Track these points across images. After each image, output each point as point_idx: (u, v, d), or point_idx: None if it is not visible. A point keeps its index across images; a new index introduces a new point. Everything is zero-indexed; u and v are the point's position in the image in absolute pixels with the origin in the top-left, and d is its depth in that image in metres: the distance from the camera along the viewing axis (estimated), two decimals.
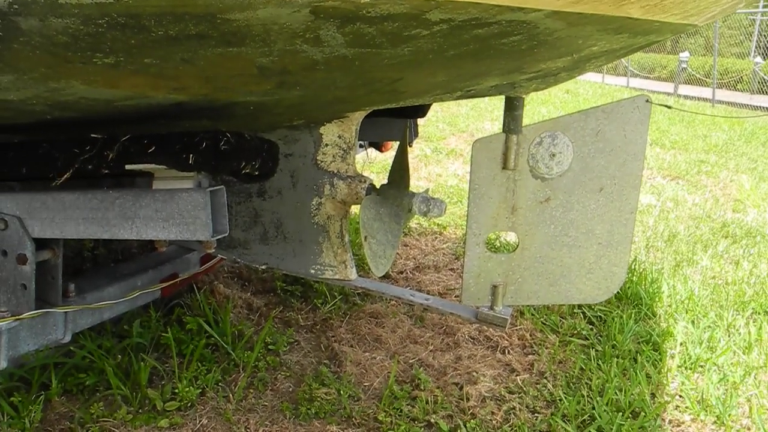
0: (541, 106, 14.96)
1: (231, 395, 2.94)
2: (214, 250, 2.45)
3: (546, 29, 1.44)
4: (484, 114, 12.79)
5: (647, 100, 2.17)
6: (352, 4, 1.12)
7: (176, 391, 2.88)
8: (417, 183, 6.98)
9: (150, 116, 1.98)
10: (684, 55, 23.17)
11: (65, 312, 2.42)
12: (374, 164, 6.46)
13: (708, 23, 2.20)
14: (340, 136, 2.28)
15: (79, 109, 1.80)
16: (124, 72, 1.44)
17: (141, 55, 1.33)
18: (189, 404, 2.85)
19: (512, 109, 2.19)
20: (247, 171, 2.26)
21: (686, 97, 21.36)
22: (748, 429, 2.94)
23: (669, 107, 2.72)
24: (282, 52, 1.35)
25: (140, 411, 2.79)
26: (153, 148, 2.16)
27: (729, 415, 2.98)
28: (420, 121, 4.71)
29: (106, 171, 2.17)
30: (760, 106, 18.33)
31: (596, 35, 1.65)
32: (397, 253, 4.69)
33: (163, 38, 1.22)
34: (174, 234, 2.07)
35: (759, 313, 4.08)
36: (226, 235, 2.14)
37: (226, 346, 3.23)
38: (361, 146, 4.06)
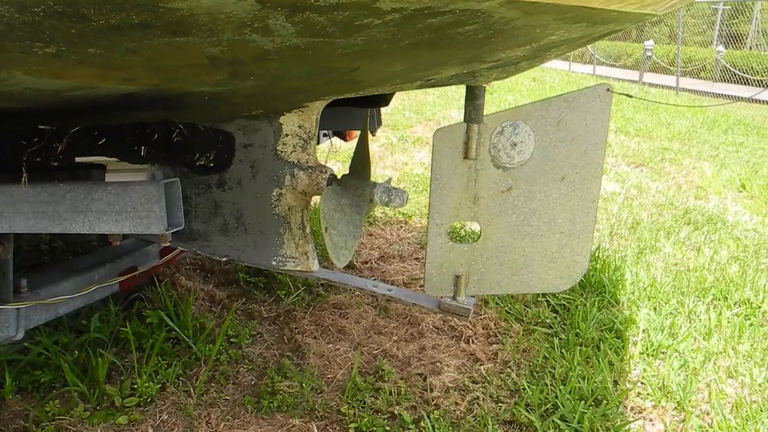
0: (507, 93, 15.00)
1: (192, 390, 2.90)
2: (170, 243, 2.41)
3: (502, 18, 1.41)
4: (452, 102, 12.80)
5: (608, 89, 2.16)
6: None
7: (135, 386, 2.84)
8: (383, 172, 6.95)
9: (103, 107, 1.93)
10: (649, 43, 23.35)
11: (17, 308, 2.36)
12: (339, 153, 6.42)
13: (671, 12, 2.20)
14: (300, 126, 2.25)
15: (25, 99, 1.74)
16: (68, 62, 1.39)
17: (84, 45, 1.28)
18: (149, 400, 2.80)
19: (473, 98, 2.17)
20: (202, 163, 2.21)
21: (651, 84, 21.57)
22: (708, 414, 2.98)
23: (630, 96, 2.73)
24: (232, 42, 1.31)
25: (98, 408, 2.74)
26: (103, 139, 2.11)
27: (689, 401, 3.01)
28: (386, 109, 4.68)
29: (56, 164, 2.11)
30: (722, 94, 18.59)
31: (554, 24, 1.63)
32: (362, 243, 4.67)
33: (105, 27, 1.17)
34: (128, 227, 2.03)
35: (719, 299, 4.14)
36: (182, 228, 2.10)
37: (187, 339, 3.19)
38: (325, 135, 4.03)
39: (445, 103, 12.62)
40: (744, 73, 20.05)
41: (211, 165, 2.23)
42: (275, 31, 1.26)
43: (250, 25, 1.21)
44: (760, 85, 17.63)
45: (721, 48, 23.10)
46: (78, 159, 2.14)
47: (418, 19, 1.29)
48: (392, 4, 1.18)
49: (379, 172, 6.89)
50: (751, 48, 25.85)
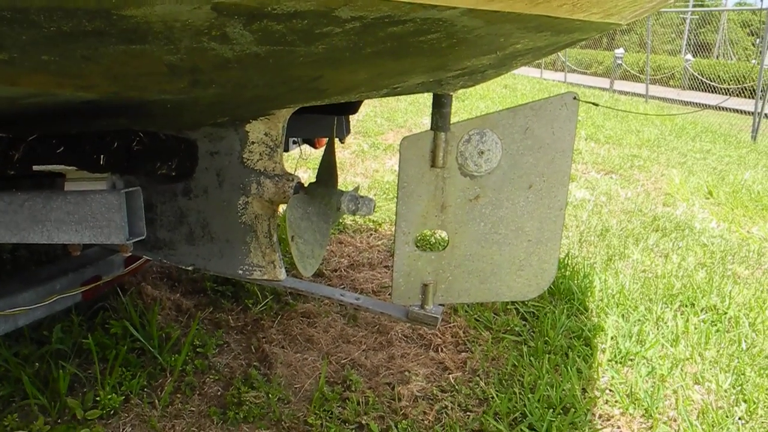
0: (479, 101, 15.07)
1: (156, 401, 2.85)
2: (135, 252, 2.36)
3: (464, 27, 1.41)
4: (424, 109, 12.81)
5: (575, 98, 2.17)
6: (255, 1, 1.07)
7: (98, 398, 2.77)
8: (354, 179, 6.93)
9: (62, 114, 1.89)
10: (619, 51, 23.67)
11: None
12: (309, 160, 6.39)
13: (640, 21, 2.21)
14: (266, 134, 2.23)
15: None
16: (22, 69, 1.35)
17: (36, 52, 1.24)
18: (112, 412, 2.75)
19: (440, 106, 2.16)
20: (163, 172, 2.18)
21: (621, 92, 21.85)
22: (675, 421, 2.99)
23: (596, 105, 2.75)
24: (190, 50, 1.29)
25: (59, 421, 2.68)
26: (61, 148, 2.06)
27: (656, 407, 3.03)
28: (358, 115, 4.67)
29: (12, 172, 2.07)
30: (690, 102, 18.86)
31: (518, 33, 1.63)
32: (332, 251, 4.64)
33: (57, 34, 1.14)
34: (87, 237, 1.99)
35: (686, 306, 4.17)
36: (144, 237, 2.06)
37: (152, 349, 3.13)
38: (294, 143, 4.00)
39: (416, 110, 12.65)
40: (711, 81, 20.39)
41: (173, 174, 2.19)
42: (234, 39, 1.23)
43: (208, 33, 1.19)
44: (726, 93, 17.90)
45: (689, 57, 23.50)
46: (36, 168, 2.10)
47: (379, 27, 1.28)
48: (351, 12, 1.17)
49: (349, 179, 6.87)
50: (718, 57, 26.35)
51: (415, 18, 1.26)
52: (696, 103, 18.01)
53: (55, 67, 1.36)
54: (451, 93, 2.19)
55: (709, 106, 15.40)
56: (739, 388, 3.24)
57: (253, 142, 2.23)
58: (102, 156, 2.09)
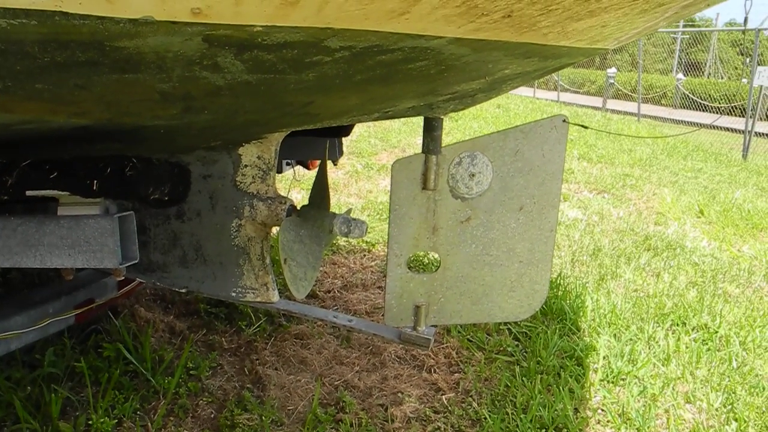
0: (472, 121, 15.14)
1: (150, 424, 2.84)
2: (128, 275, 2.37)
3: (452, 55, 1.43)
4: (417, 130, 12.85)
5: (564, 120, 2.20)
6: (245, 33, 1.09)
7: (90, 422, 2.76)
8: (347, 200, 6.95)
9: (57, 139, 1.91)
10: (611, 71, 23.88)
11: None
12: (302, 181, 6.41)
13: (630, 42, 2.25)
14: (259, 157, 2.25)
15: None
16: (16, 97, 1.37)
17: (31, 81, 1.27)
18: None
19: (431, 129, 2.19)
20: (156, 197, 2.19)
21: (614, 111, 21.97)
22: None
23: (586, 127, 2.77)
24: (182, 78, 1.31)
25: None
26: (55, 173, 2.08)
27: (648, 427, 3.03)
28: (352, 136, 4.69)
29: (5, 197, 2.08)
30: (682, 120, 18.99)
31: (505, 60, 1.66)
32: (325, 272, 4.65)
33: (51, 65, 1.16)
34: (81, 262, 1.99)
35: (677, 325, 4.19)
36: (137, 261, 2.07)
37: (145, 372, 3.13)
38: (288, 164, 4.02)
39: (410, 130, 12.69)
40: (702, 100, 20.54)
41: (166, 199, 2.21)
42: (225, 68, 1.26)
43: (200, 62, 1.21)
44: (717, 112, 18.05)
45: (680, 76, 23.70)
46: (29, 192, 2.11)
47: (368, 56, 1.31)
48: (340, 42, 1.19)
49: (343, 200, 6.89)
50: (708, 76, 26.57)
51: (403, 47, 1.29)
52: (688, 122, 18.15)
53: (48, 95, 1.38)
54: (442, 116, 2.22)
55: (703, 125, 15.51)
56: (730, 407, 3.25)
57: (245, 165, 2.24)
58: (95, 181, 2.10)
